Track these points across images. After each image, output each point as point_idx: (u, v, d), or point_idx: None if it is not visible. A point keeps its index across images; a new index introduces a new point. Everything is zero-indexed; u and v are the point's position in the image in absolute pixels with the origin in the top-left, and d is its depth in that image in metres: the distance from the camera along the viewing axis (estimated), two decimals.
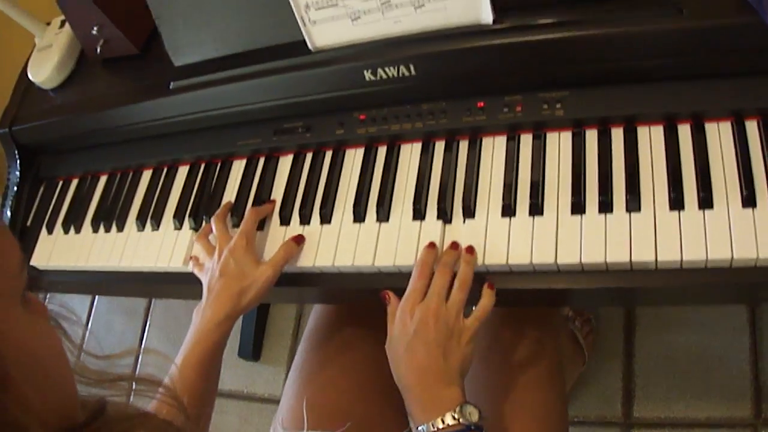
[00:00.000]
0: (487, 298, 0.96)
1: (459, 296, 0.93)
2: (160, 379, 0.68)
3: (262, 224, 1.16)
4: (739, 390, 1.67)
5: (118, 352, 0.64)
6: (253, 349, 2.23)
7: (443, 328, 0.90)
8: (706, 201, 0.91)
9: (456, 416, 0.84)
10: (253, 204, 1.18)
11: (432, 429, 0.85)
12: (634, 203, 0.94)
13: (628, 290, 0.96)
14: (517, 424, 1.07)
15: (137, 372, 0.60)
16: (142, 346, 2.45)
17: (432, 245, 1.00)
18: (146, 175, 1.33)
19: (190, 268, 1.14)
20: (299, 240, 1.09)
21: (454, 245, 1.00)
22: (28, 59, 1.45)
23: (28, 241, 1.38)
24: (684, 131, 0.98)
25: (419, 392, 0.88)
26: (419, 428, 0.87)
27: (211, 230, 1.13)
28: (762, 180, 0.91)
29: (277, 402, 2.15)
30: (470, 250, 0.98)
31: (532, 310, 1.16)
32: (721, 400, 1.68)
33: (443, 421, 0.84)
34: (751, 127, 0.94)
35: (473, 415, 0.86)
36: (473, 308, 0.96)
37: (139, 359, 2.17)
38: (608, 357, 1.83)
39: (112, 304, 2.55)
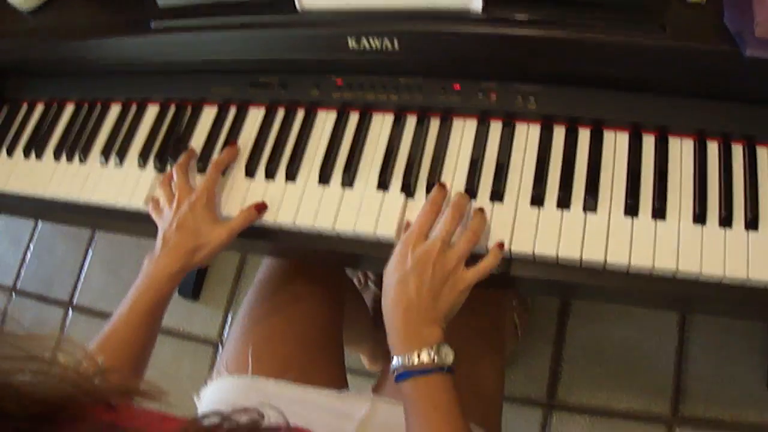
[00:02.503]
0: (493, 257, 0.95)
1: (464, 246, 0.93)
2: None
3: (226, 172, 1.16)
4: (661, 387, 1.75)
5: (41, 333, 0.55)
6: (193, 289, 2.26)
7: (440, 273, 0.90)
8: (660, 211, 0.95)
9: (432, 353, 0.86)
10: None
11: (407, 362, 0.86)
12: (591, 203, 0.98)
13: (572, 285, 1.00)
14: (462, 370, 1.10)
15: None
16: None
17: (443, 185, 1.02)
18: (114, 110, 1.31)
19: (150, 210, 1.14)
20: (260, 208, 1.10)
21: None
22: None
23: None
24: (648, 142, 1.01)
25: (402, 325, 0.89)
26: (396, 358, 0.88)
27: (173, 178, 1.13)
28: (715, 200, 0.95)
29: (211, 343, 2.19)
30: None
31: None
32: (642, 395, 1.76)
33: (419, 356, 0.86)
34: (712, 148, 0.99)
35: (448, 356, 0.87)
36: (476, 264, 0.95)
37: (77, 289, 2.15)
38: (539, 339, 1.89)
39: (57, 227, 2.53)
